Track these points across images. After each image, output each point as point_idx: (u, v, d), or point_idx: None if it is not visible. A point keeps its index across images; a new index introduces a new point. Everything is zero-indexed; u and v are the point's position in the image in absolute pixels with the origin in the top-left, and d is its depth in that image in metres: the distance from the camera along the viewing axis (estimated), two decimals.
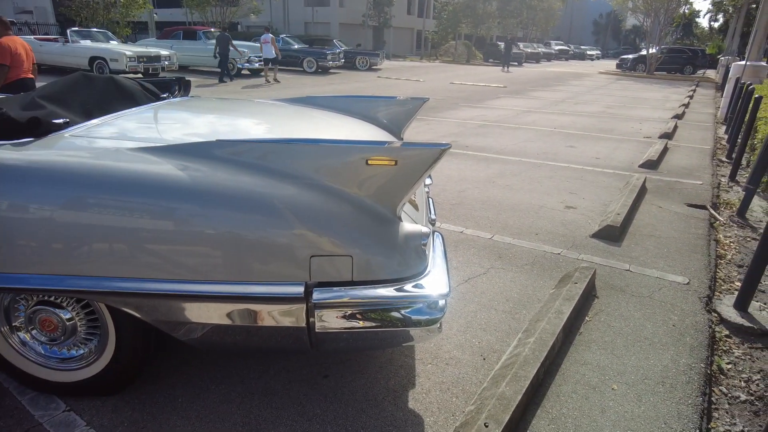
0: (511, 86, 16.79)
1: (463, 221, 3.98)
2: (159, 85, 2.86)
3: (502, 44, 28.28)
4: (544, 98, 13.53)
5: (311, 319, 1.61)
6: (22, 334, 1.87)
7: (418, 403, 1.96)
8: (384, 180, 1.60)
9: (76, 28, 14.41)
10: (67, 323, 1.81)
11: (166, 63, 14.00)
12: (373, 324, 1.62)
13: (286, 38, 19.37)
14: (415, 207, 2.07)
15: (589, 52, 49.77)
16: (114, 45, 14.03)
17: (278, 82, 14.98)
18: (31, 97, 2.10)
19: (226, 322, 1.64)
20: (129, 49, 13.50)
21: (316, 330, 1.62)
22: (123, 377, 1.91)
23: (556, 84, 18.48)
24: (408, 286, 1.63)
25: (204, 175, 1.56)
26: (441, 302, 1.69)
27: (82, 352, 1.89)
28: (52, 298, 1.78)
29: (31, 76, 5.34)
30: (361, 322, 1.62)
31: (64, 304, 1.80)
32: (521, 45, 36.85)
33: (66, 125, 1.90)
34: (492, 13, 39.37)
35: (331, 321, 1.61)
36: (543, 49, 40.75)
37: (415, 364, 2.18)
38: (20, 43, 5.20)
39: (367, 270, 1.59)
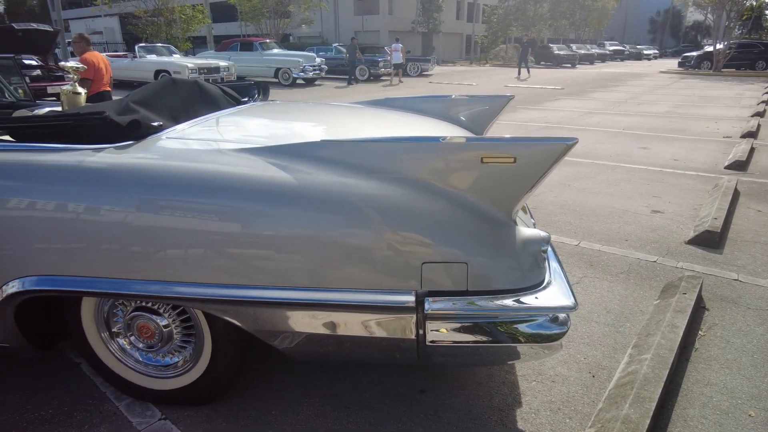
0: (569, 88, 16.23)
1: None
2: (239, 90, 2.83)
3: (561, 46, 26.55)
4: (604, 99, 12.97)
5: (421, 331, 1.49)
6: (120, 341, 1.85)
7: (527, 423, 1.79)
8: (500, 180, 1.45)
9: (143, 44, 15.13)
10: (164, 330, 1.77)
11: (225, 74, 14.43)
12: (489, 338, 1.48)
13: (339, 47, 19.60)
14: (524, 210, 1.92)
15: (645, 52, 47.61)
16: (177, 58, 14.62)
17: (401, 82, 17.75)
18: (126, 102, 2.09)
19: (331, 331, 1.54)
20: (191, 62, 14.02)
21: (427, 342, 1.49)
22: (216, 387, 1.85)
23: (615, 85, 17.72)
24: (527, 298, 1.48)
25: (311, 177, 1.47)
26: (563, 316, 1.52)
27: (176, 360, 1.84)
28: (149, 305, 1.75)
29: (109, 88, 5.56)
30: (475, 335, 1.48)
31: (161, 311, 1.75)
32: (574, 47, 35.78)
33: (160, 128, 1.86)
34: (543, 15, 38.51)
35: (443, 333, 1.48)
36: (597, 50, 39.33)
37: (518, 381, 2.01)
38: (101, 57, 5.43)
39: (482, 279, 1.45)
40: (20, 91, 3.50)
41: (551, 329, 1.49)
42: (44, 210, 1.54)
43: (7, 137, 1.92)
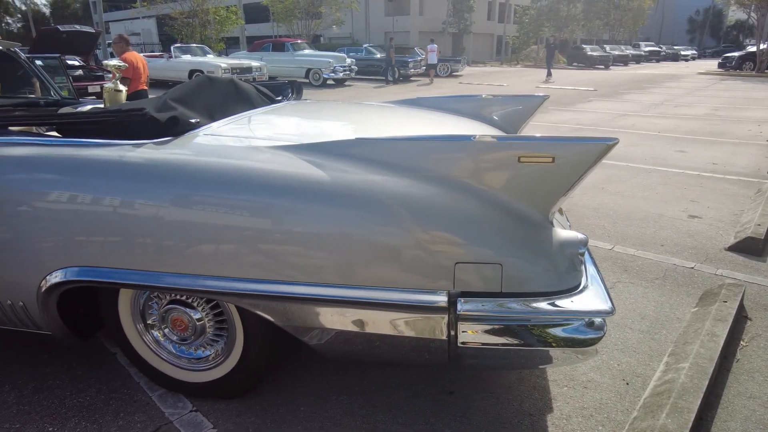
0: (602, 89, 15.89)
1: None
2: (273, 89, 2.87)
3: (594, 47, 25.59)
4: (639, 101, 12.64)
5: (452, 332, 1.47)
6: (155, 333, 1.89)
7: (559, 429, 1.76)
8: (538, 180, 1.43)
9: (179, 45, 15.51)
10: (197, 323, 1.80)
11: (257, 74, 14.65)
12: (523, 342, 1.46)
13: (369, 48, 19.66)
14: (560, 212, 1.88)
15: (683, 53, 46.13)
16: (210, 58, 14.94)
17: (431, 82, 18.23)
18: (164, 99, 2.14)
19: (361, 329, 1.54)
20: (224, 62, 14.31)
21: (458, 344, 1.48)
22: (247, 381, 1.87)
23: (651, 86, 17.26)
24: (563, 301, 1.45)
25: (346, 175, 1.48)
26: (599, 321, 1.49)
27: (209, 353, 1.88)
28: (183, 298, 1.78)
29: (146, 87, 5.72)
30: (508, 338, 1.45)
31: (195, 304, 1.79)
32: (607, 47, 34.98)
33: (198, 125, 1.90)
34: (576, 15, 37.81)
35: (475, 335, 1.46)
36: (631, 51, 38.33)
37: (549, 386, 1.97)
38: (139, 58, 5.59)
39: (517, 281, 1.43)
40: (65, 90, 3.63)
41: (586, 334, 1.46)
42: (86, 203, 1.59)
43: (54, 133, 1.99)
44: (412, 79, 19.49)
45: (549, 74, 19.89)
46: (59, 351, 2.20)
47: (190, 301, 1.78)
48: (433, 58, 18.71)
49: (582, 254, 1.50)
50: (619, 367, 2.10)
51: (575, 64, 31.40)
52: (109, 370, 2.08)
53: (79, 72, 10.05)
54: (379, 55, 19.57)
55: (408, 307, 1.47)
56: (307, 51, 17.77)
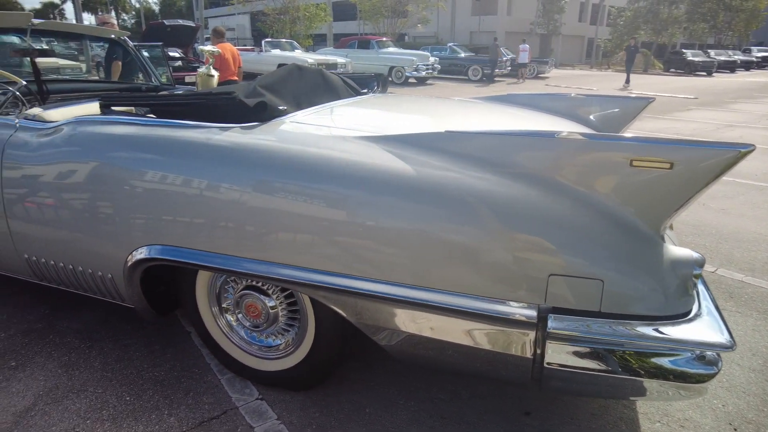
0: (704, 97, 14.62)
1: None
2: (359, 81, 2.83)
3: (697, 52, 23.39)
4: (748, 111, 11.47)
5: (539, 350, 1.33)
6: (229, 317, 1.90)
7: None
8: (651, 188, 1.25)
9: (269, 39, 16.15)
10: (271, 311, 1.79)
11: (342, 70, 14.92)
12: (620, 369, 1.29)
13: (454, 47, 19.43)
14: (670, 227, 1.67)
15: None
16: (298, 53, 15.43)
17: (519, 82, 18.66)
18: (254, 86, 2.15)
19: (435, 335, 1.44)
20: (311, 57, 14.72)
21: (545, 364, 1.34)
22: (314, 375, 1.84)
23: (763, 95, 15.64)
24: (670, 328, 1.26)
25: (435, 170, 1.38)
26: (711, 355, 1.29)
27: (279, 342, 1.86)
28: (259, 284, 1.77)
29: (236, 78, 5.93)
30: (603, 364, 1.29)
31: (270, 292, 1.77)
32: (712, 52, 32.15)
33: (285, 112, 1.89)
34: (678, 17, 35.13)
35: (565, 357, 1.31)
36: (740, 57, 34.97)
37: (639, 419, 1.77)
38: (229, 49, 5.80)
39: (619, 300, 1.27)
40: (164, 77, 3.83)
41: (696, 368, 1.26)
42: (172, 183, 1.61)
43: (151, 115, 2.06)
44: (496, 79, 19.01)
45: (627, 80, 18.19)
46: (140, 324, 2.29)
47: (265, 288, 1.77)
48: (524, 58, 18.82)
49: (697, 276, 1.31)
50: (725, 408, 1.85)
51: (672, 70, 29.18)
52: (183, 349, 2.14)
53: (178, 63, 10.72)
54: (463, 54, 19.29)
55: (489, 318, 1.36)
56: (391, 49, 17.84)
